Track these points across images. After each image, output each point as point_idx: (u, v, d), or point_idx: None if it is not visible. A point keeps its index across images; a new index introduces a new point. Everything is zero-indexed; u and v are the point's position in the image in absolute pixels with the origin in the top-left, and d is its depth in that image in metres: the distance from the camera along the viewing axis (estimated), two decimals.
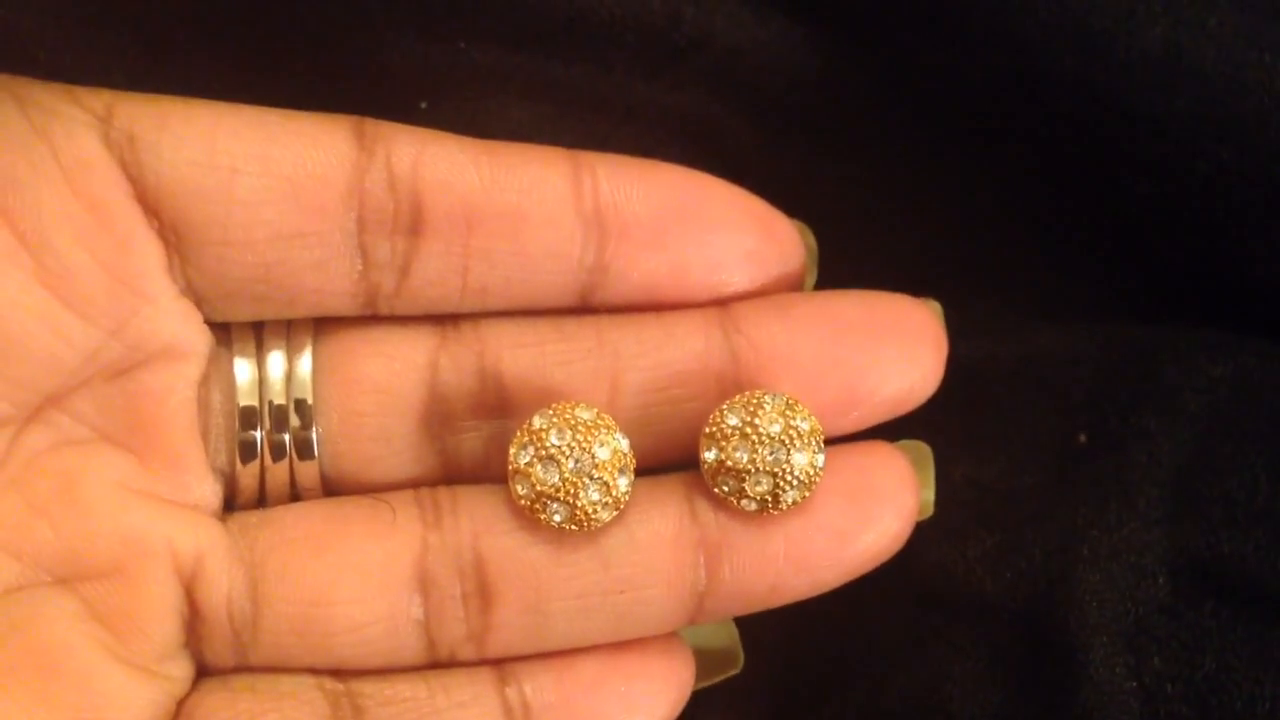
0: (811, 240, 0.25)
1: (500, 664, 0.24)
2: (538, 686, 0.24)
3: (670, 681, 0.24)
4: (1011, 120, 0.27)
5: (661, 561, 0.23)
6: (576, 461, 0.23)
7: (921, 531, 0.27)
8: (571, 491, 0.23)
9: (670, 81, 0.28)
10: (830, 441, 0.24)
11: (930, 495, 0.25)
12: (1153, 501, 0.26)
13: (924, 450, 0.25)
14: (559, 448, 0.23)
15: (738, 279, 0.24)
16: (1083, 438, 0.27)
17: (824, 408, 0.24)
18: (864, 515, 0.24)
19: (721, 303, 0.24)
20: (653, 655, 0.24)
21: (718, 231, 0.24)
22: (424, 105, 0.28)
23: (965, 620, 0.27)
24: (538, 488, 0.23)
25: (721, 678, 0.25)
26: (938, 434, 0.25)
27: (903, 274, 0.28)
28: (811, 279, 0.25)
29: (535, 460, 0.23)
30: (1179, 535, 0.26)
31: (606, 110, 0.28)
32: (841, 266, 0.26)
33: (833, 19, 0.28)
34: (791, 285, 0.25)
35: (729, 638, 0.25)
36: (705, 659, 0.25)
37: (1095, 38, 0.25)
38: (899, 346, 0.24)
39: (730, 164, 0.28)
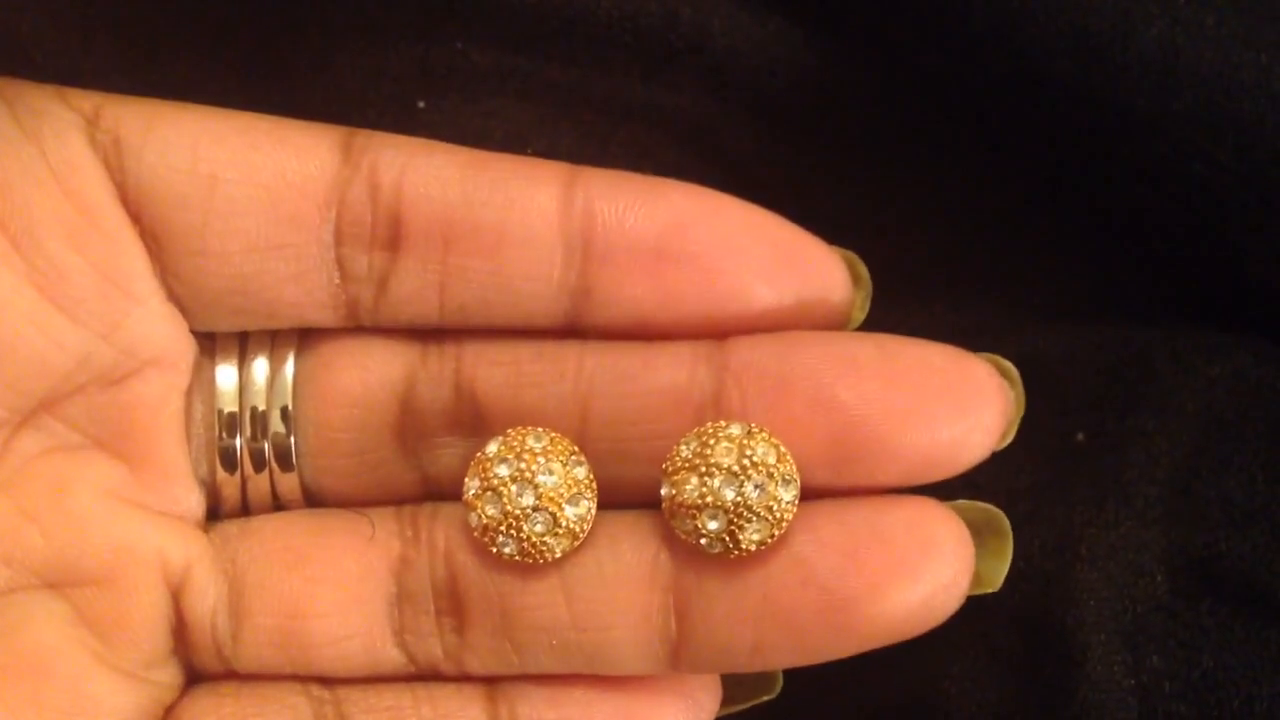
0: (862, 270, 0.23)
1: (491, 680, 0.23)
2: (529, 703, 0.23)
3: (680, 707, 0.23)
4: (1008, 122, 0.27)
5: (625, 601, 0.22)
6: (519, 493, 0.22)
7: None
8: (514, 525, 0.22)
9: (668, 82, 0.28)
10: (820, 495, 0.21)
11: (1000, 569, 0.22)
12: (1150, 500, 0.26)
13: (996, 516, 0.22)
14: (503, 479, 0.22)
15: (744, 310, 0.22)
16: (1080, 436, 0.27)
17: (813, 457, 0.22)
18: (871, 578, 0.21)
19: (721, 335, 0.23)
20: (663, 680, 0.23)
21: (722, 259, 0.22)
22: (422, 105, 0.27)
23: (963, 618, 0.26)
24: (484, 520, 0.23)
25: (757, 701, 0.24)
26: None
27: (900, 275, 0.28)
28: (861, 314, 0.23)
29: (481, 491, 0.23)
30: (1177, 534, 0.26)
31: (604, 111, 0.28)
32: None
33: (830, 21, 0.28)
34: (825, 319, 0.23)
35: None
36: (739, 682, 0.24)
37: (1092, 39, 0.25)
38: (921, 399, 0.21)
39: (728, 165, 0.28)
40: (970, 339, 0.25)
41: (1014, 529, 0.25)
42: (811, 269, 0.23)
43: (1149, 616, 0.25)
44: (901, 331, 0.23)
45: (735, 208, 0.23)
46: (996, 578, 0.22)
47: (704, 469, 0.21)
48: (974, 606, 0.26)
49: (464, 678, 0.23)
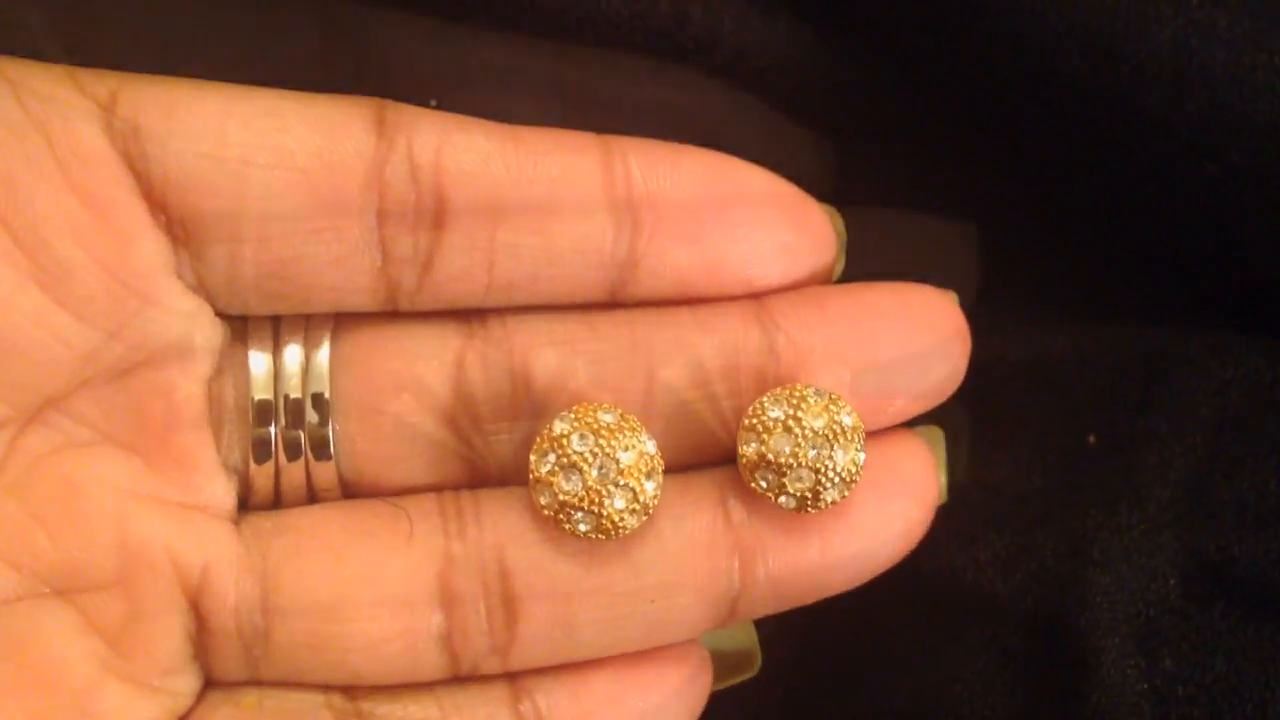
0: (841, 226, 0.24)
1: (515, 679, 0.23)
2: (553, 702, 0.23)
3: (689, 690, 0.23)
4: (1020, 122, 0.27)
5: (695, 569, 0.23)
6: (600, 468, 0.22)
7: (931, 534, 0.26)
8: (596, 500, 0.22)
9: (677, 82, 0.28)
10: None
11: (944, 479, 0.24)
12: (1163, 504, 0.26)
13: (937, 434, 0.24)
14: (581, 454, 0.22)
15: (772, 271, 0.23)
16: (1092, 439, 0.27)
17: (863, 402, 0.23)
18: (893, 509, 0.23)
19: (755, 296, 0.23)
20: (670, 663, 0.23)
21: (753, 223, 0.23)
22: (434, 103, 0.27)
23: (976, 622, 0.26)
24: (560, 497, 0.22)
25: (738, 680, 0.25)
26: (945, 435, 0.25)
27: (909, 273, 0.28)
28: (840, 266, 0.25)
29: (557, 468, 0.22)
30: (1190, 537, 0.26)
31: (614, 110, 0.28)
32: (849, 267, 0.25)
33: (841, 21, 0.27)
34: (824, 275, 0.24)
35: (747, 639, 0.25)
36: (722, 661, 0.24)
37: (1104, 40, 0.25)
38: (933, 338, 0.23)
39: None
40: (980, 338, 0.25)
41: (1026, 531, 0.27)
42: (816, 228, 0.24)
43: (1162, 619, 0.25)
44: None
45: (753, 173, 0.24)
46: (944, 491, 0.24)
47: (798, 431, 0.22)
48: (987, 610, 0.26)
49: (505, 675, 0.23)
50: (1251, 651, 0.25)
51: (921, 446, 0.24)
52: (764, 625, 0.25)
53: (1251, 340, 0.27)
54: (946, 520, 0.26)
